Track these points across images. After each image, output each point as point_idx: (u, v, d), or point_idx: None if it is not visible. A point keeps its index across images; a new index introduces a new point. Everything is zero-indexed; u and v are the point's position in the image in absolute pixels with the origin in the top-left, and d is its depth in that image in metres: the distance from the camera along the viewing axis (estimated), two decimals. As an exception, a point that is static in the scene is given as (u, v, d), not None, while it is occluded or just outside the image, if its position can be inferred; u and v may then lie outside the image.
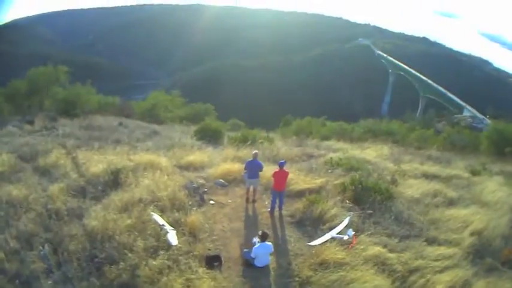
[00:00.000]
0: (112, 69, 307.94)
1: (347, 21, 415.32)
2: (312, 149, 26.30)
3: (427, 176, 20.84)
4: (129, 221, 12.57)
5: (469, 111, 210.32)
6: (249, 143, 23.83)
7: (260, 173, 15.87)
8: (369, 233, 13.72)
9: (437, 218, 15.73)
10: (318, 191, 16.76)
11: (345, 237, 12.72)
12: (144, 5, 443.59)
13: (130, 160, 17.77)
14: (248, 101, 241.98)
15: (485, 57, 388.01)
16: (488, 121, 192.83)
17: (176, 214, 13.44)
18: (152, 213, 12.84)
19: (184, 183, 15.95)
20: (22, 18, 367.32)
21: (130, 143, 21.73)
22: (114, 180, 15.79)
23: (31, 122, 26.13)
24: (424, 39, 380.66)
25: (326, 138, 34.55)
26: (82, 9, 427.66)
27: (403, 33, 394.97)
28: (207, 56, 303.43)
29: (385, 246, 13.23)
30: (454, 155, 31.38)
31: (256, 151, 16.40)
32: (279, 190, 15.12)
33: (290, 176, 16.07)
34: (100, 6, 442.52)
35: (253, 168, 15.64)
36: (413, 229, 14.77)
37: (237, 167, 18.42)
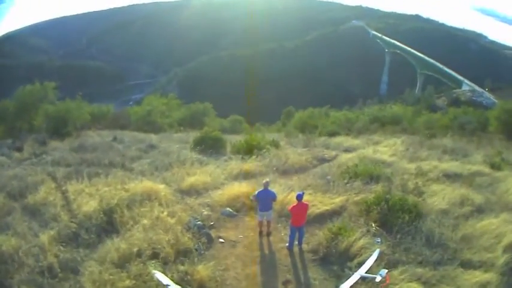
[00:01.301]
0: (108, 71, 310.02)
1: (339, 4, 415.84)
2: (322, 150, 24.86)
3: (449, 176, 19.21)
4: (127, 282, 10.65)
5: (467, 85, 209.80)
6: (254, 152, 21.91)
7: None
8: (402, 268, 11.89)
9: (468, 234, 13.98)
10: (338, 212, 14.91)
11: (378, 278, 10.93)
12: (135, 5, 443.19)
13: (126, 190, 15.76)
14: (245, 90, 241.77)
15: (479, 30, 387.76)
16: (487, 94, 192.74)
17: (181, 267, 11.33)
18: (154, 271, 10.95)
19: (187, 220, 13.81)
20: (15, 30, 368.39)
21: (124, 165, 19.89)
22: (109, 221, 13.82)
23: (20, 149, 24.43)
24: (417, 17, 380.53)
25: (333, 133, 32.74)
26: (73, 16, 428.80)
27: (395, 12, 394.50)
28: (201, 49, 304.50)
29: (419, 279, 11.57)
30: (467, 142, 29.80)
31: (268, 180, 14.11)
32: (299, 226, 13.07)
33: (306, 197, 13.99)
34: (91, 10, 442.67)
35: (265, 199, 13.50)
36: (446, 251, 13.05)
37: (245, 190, 16.31)
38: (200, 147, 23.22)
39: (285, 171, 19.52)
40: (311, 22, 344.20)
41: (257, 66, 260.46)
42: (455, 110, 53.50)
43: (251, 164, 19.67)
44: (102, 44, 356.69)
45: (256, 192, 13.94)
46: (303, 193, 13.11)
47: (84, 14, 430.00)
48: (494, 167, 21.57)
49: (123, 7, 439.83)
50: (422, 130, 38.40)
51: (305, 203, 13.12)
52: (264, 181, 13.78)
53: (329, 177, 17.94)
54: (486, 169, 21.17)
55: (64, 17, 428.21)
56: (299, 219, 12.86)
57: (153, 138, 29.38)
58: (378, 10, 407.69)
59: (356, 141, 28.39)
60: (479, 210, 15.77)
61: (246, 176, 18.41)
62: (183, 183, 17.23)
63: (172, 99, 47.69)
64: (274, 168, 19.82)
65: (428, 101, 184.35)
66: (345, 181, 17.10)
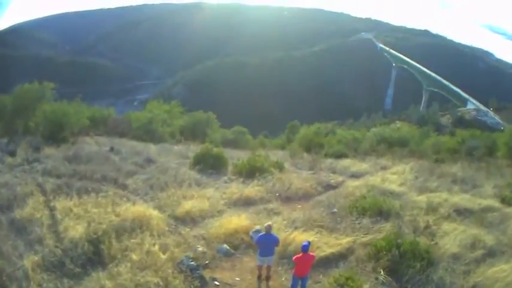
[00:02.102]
0: (114, 70, 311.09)
1: (348, 16, 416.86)
2: (328, 174, 23.98)
3: (460, 212, 18.18)
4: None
5: (472, 103, 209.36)
6: (256, 175, 20.74)
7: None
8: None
9: (480, 282, 13.07)
10: (345, 256, 13.70)
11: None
12: (145, 4, 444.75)
13: (116, 214, 14.59)
14: (250, 97, 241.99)
15: (486, 48, 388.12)
16: (492, 113, 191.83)
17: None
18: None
19: (180, 258, 12.68)
20: (24, 22, 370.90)
21: (118, 181, 18.73)
22: (96, 252, 12.66)
23: (13, 153, 23.39)
24: (426, 32, 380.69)
25: (340, 155, 31.68)
26: (82, 11, 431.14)
27: (404, 27, 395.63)
28: (209, 53, 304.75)
29: None
30: (476, 170, 28.75)
31: (270, 223, 12.65)
32: (303, 276, 11.73)
33: (311, 237, 13.19)
34: (101, 7, 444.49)
35: (267, 244, 12.21)
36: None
37: (244, 223, 15.01)
38: (200, 166, 22.09)
39: (288, 198, 18.51)
40: (320, 32, 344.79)
41: (263, 74, 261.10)
42: (462, 132, 53.02)
43: (252, 189, 18.48)
44: (110, 42, 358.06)
45: (255, 236, 13.20)
46: (309, 243, 11.75)
47: (93, 11, 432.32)
48: (505, 201, 20.61)
49: (133, 6, 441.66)
50: (430, 154, 38.17)
51: (311, 254, 11.70)
52: (266, 224, 12.36)
53: (335, 210, 16.83)
54: (497, 204, 20.22)
55: (74, 12, 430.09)
56: (303, 270, 11.50)
57: (152, 149, 28.20)
58: (387, 23, 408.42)
59: (363, 166, 27.34)
60: (491, 253, 14.83)
61: (247, 202, 17.32)
62: (179, 209, 15.94)
63: (175, 107, 46.56)
64: (277, 194, 18.73)
65: (432, 119, 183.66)
66: (353, 218, 15.97)
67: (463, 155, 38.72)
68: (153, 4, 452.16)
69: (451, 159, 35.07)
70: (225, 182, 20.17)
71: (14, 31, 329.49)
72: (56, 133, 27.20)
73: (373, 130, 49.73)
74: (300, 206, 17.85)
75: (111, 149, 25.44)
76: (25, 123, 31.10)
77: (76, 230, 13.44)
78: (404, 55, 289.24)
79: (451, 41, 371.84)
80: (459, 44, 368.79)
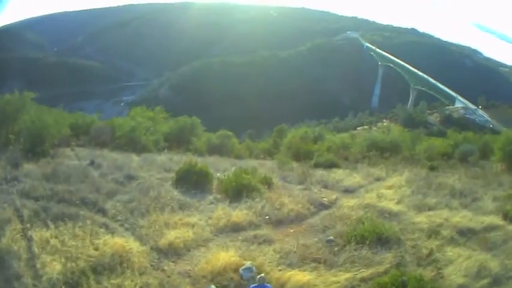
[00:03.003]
0: (102, 71, 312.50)
1: (334, 15, 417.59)
2: (319, 190, 22.91)
3: (462, 233, 17.24)
4: None
5: (461, 102, 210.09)
6: (243, 193, 19.34)
7: None
8: None
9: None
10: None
11: None
12: (131, 5, 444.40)
13: (94, 248, 13.29)
14: (237, 97, 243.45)
15: (474, 46, 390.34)
16: (481, 112, 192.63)
17: None
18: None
19: None
20: (10, 24, 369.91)
21: (97, 204, 17.38)
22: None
23: (-10, 170, 22.08)
24: (413, 30, 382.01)
25: (331, 165, 30.52)
26: (70, 12, 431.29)
27: (391, 25, 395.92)
28: (196, 54, 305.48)
29: None
30: (473, 178, 28.19)
31: (263, 275, 11.31)
32: None
33: (306, 276, 11.98)
34: (88, 8, 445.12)
35: None
36: None
37: (233, 259, 13.42)
38: (183, 183, 20.70)
39: (279, 222, 17.21)
40: (306, 32, 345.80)
41: (249, 74, 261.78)
42: (454, 134, 52.71)
43: (240, 213, 17.09)
44: (97, 42, 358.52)
45: (245, 274, 12.08)
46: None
47: (81, 11, 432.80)
48: (507, 217, 19.69)
49: (120, 6, 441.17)
50: (423, 160, 38.03)
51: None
52: (258, 276, 11.09)
53: (331, 237, 15.53)
54: (499, 221, 19.21)
55: (60, 12, 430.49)
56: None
57: (133, 162, 26.74)
58: (373, 22, 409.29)
59: (356, 178, 26.16)
60: (496, 281, 14.08)
61: (235, 228, 15.92)
62: (161, 240, 14.52)
63: (159, 113, 45.34)
64: (267, 217, 17.33)
65: (420, 117, 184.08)
66: (351, 247, 14.70)
67: (457, 160, 38.97)
68: (139, 4, 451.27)
69: (446, 165, 35.07)
70: (211, 203, 18.76)
71: (1, 32, 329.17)
72: (35, 146, 25.82)
73: (363, 135, 48.99)
74: (292, 231, 16.58)
75: (92, 163, 24.15)
76: (5, 136, 29.67)
77: (53, 268, 12.25)
78: (390, 54, 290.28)
79: (438, 39, 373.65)
80: (446, 42, 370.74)
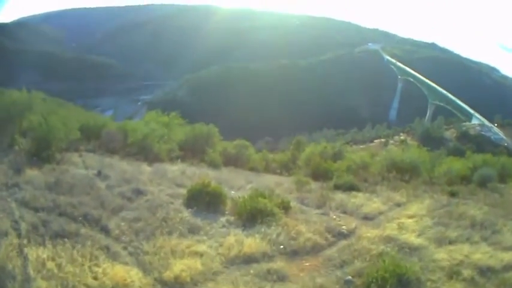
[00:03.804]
0: (120, 69, 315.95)
1: (356, 26, 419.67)
2: (338, 215, 21.85)
3: (482, 272, 16.03)
4: None
5: (477, 119, 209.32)
6: (258, 218, 18.14)
7: None
8: None
9: None
10: None
11: None
12: (153, 4, 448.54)
13: (93, 277, 12.19)
14: (255, 104, 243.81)
15: (493, 64, 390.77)
16: (496, 129, 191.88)
17: None
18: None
19: None
20: (29, 16, 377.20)
21: (100, 222, 16.25)
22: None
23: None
24: (433, 45, 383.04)
25: (350, 187, 29.42)
26: (89, 8, 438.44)
27: (411, 39, 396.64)
28: (215, 58, 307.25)
29: None
30: (492, 207, 26.83)
31: None
32: None
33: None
34: (108, 5, 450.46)
35: None
36: None
37: None
38: (194, 204, 19.53)
39: (295, 252, 16.12)
40: (327, 42, 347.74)
41: (269, 81, 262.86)
42: (474, 156, 52.09)
43: (253, 242, 15.90)
44: (116, 41, 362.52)
45: None
46: None
47: (101, 8, 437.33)
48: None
49: (141, 5, 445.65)
50: (443, 184, 37.65)
51: None
52: None
53: (349, 277, 14.40)
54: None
55: (80, 8, 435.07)
56: None
57: (144, 173, 25.57)
58: (394, 35, 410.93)
59: (376, 203, 24.96)
60: None
61: (247, 259, 14.72)
62: (166, 271, 13.42)
63: (175, 118, 44.29)
64: (281, 247, 16.18)
65: (437, 132, 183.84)
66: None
67: (475, 185, 37.88)
68: (161, 4, 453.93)
69: (465, 190, 33.95)
70: (223, 226, 17.50)
71: (20, 25, 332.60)
72: (41, 151, 24.69)
73: (383, 153, 48.02)
74: (307, 264, 15.46)
75: (99, 173, 23.05)
76: (11, 137, 28.64)
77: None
78: (410, 68, 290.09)
79: (457, 55, 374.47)
80: (466, 58, 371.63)
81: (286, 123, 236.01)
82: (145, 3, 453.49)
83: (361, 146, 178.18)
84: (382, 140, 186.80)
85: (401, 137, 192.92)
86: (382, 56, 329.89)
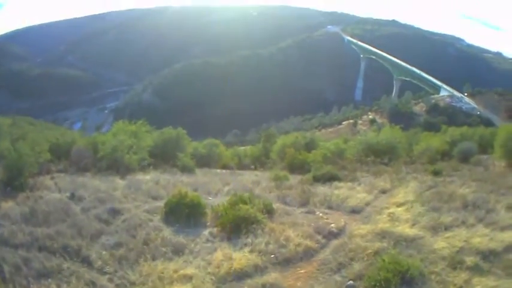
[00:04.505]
0: (84, 79, 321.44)
1: (314, 10, 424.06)
2: (324, 213, 20.88)
3: (485, 256, 15.43)
4: None
5: (446, 90, 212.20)
6: (242, 227, 17.16)
7: None
8: None
9: None
10: None
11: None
12: (110, 12, 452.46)
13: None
14: (220, 98, 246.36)
15: (457, 34, 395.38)
16: (467, 99, 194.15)
17: None
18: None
19: None
20: None
21: (80, 253, 15.23)
22: None
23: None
24: (394, 22, 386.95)
25: (331, 177, 28.63)
26: (52, 22, 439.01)
27: (371, 18, 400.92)
28: (177, 56, 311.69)
29: None
30: (480, 182, 26.55)
31: None
32: None
33: None
34: (68, 17, 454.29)
35: None
36: None
37: None
38: (173, 219, 18.59)
39: (287, 261, 15.30)
40: (286, 28, 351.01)
41: (231, 74, 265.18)
42: (451, 130, 52.48)
43: (242, 255, 14.95)
44: (79, 51, 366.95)
45: None
46: None
47: (61, 21, 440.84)
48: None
49: (100, 14, 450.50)
50: (424, 163, 37.50)
51: None
52: None
53: (351, 282, 13.57)
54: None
55: (41, 24, 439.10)
56: None
57: (118, 189, 24.59)
58: (353, 16, 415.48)
59: (361, 193, 24.18)
60: None
61: (239, 275, 13.86)
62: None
63: (142, 126, 43.41)
64: (272, 256, 15.33)
65: (405, 108, 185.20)
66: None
67: (457, 160, 38.50)
68: (118, 11, 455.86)
69: (448, 167, 33.82)
70: (207, 241, 16.43)
71: None
72: (13, 179, 23.77)
73: (357, 138, 47.73)
74: (303, 271, 14.68)
75: (72, 196, 22.14)
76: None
77: None
78: (372, 46, 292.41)
79: (419, 29, 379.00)
80: (428, 31, 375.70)
81: (252, 114, 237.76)
82: (102, 12, 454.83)
83: (330, 130, 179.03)
84: (351, 121, 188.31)
85: (370, 116, 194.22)
86: (342, 37, 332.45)
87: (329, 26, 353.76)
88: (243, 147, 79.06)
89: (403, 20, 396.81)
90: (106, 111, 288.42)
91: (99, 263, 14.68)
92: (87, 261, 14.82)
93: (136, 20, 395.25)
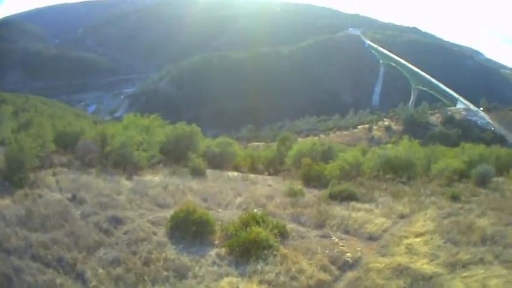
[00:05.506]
0: (102, 63, 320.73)
1: (337, 11, 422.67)
2: (340, 239, 19.72)
3: None
4: None
5: (462, 103, 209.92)
6: (253, 252, 15.93)
7: None
8: None
9: None
10: None
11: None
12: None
13: None
14: (237, 92, 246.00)
15: (476, 47, 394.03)
16: (482, 113, 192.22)
17: None
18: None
19: None
20: (12, 15, 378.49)
21: (75, 268, 14.17)
22: None
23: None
24: (414, 29, 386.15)
25: (349, 196, 27.33)
26: (70, 3, 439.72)
27: (392, 23, 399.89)
28: (196, 48, 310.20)
29: None
30: (497, 211, 25.35)
31: None
32: None
33: None
34: (87, 0, 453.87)
35: None
36: None
37: None
38: (179, 234, 17.38)
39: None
40: (308, 27, 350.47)
41: (249, 69, 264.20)
42: (468, 147, 51.44)
43: (250, 287, 13.83)
44: (98, 35, 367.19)
45: None
46: None
47: (81, 3, 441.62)
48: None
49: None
50: (443, 185, 35.97)
51: None
52: None
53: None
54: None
55: (61, 4, 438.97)
56: None
57: (122, 192, 23.37)
58: (375, 20, 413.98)
59: (378, 218, 23.00)
60: None
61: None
62: None
63: (155, 120, 42.08)
64: (280, 290, 14.04)
65: (422, 117, 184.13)
66: None
67: (474, 183, 37.01)
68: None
69: (465, 190, 32.97)
70: (213, 264, 15.25)
71: (3, 24, 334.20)
72: (12, 173, 22.52)
73: (376, 150, 46.43)
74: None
75: (73, 198, 20.92)
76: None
77: None
78: (392, 52, 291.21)
79: (439, 39, 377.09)
80: (447, 42, 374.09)
81: (268, 110, 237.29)
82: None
83: (345, 133, 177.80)
84: (366, 126, 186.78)
85: (386, 123, 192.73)
86: (363, 40, 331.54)
87: (350, 28, 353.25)
88: (256, 143, 78.13)
89: (423, 28, 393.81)
90: (122, 97, 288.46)
91: (94, 282, 13.56)
92: (81, 278, 13.83)
93: (158, 6, 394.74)
